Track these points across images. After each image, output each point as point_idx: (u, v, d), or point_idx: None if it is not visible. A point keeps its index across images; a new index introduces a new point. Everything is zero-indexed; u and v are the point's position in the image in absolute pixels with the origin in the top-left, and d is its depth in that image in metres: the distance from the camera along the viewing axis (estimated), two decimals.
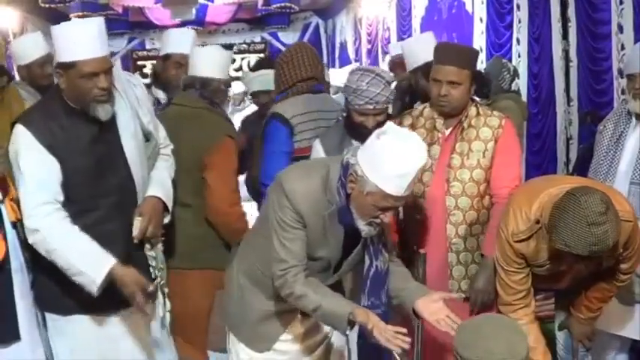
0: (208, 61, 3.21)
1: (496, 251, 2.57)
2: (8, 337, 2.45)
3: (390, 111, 3.37)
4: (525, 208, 2.43)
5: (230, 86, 3.47)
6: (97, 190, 2.52)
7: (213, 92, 3.18)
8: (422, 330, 2.80)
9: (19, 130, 2.48)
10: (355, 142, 2.88)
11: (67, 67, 2.44)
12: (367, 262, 2.33)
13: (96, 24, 2.49)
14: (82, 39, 2.42)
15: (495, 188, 2.84)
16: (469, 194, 2.85)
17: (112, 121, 2.57)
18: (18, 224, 2.49)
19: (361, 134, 2.84)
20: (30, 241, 2.45)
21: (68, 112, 2.51)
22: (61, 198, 2.46)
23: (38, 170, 2.43)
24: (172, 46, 3.73)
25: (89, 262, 2.41)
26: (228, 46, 12.61)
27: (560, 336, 3.12)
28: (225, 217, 3.06)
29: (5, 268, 2.46)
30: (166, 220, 2.77)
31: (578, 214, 2.14)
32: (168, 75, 3.66)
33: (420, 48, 3.68)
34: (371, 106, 2.82)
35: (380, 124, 2.82)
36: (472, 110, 2.91)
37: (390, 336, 2.15)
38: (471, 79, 2.87)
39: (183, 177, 2.98)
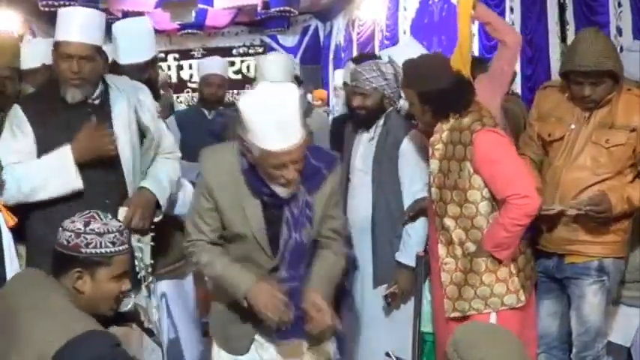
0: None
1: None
2: None
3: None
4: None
5: None
6: (83, 175, 2.60)
7: None
8: (420, 328, 2.87)
9: (14, 107, 2.65)
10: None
11: (54, 46, 2.64)
12: (285, 233, 2.31)
13: (87, 12, 2.62)
14: (68, 22, 2.60)
15: (504, 204, 2.66)
16: (451, 215, 2.72)
17: (107, 110, 2.70)
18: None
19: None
20: None
21: (62, 96, 2.65)
22: None
23: (13, 139, 2.59)
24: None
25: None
26: (227, 49, 12.69)
27: None
28: None
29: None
30: (157, 218, 2.78)
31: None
32: None
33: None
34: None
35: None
36: (444, 126, 2.74)
37: (268, 304, 2.24)
38: (419, 98, 2.75)
39: None
